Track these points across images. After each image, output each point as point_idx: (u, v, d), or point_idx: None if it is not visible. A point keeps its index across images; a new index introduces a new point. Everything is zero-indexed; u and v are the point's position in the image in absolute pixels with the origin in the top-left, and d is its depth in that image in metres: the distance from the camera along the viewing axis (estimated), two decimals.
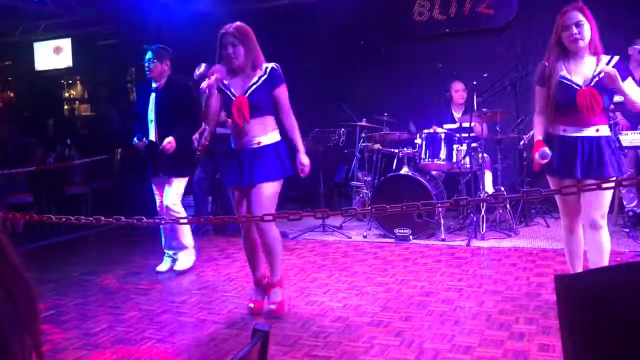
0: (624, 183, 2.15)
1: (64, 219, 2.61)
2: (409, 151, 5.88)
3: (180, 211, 4.58)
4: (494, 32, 6.93)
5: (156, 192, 4.72)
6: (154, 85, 4.63)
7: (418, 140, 5.82)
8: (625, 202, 5.65)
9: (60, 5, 7.38)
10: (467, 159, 5.67)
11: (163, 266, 4.79)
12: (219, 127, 5.71)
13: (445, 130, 5.84)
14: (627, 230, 5.32)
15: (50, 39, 9.47)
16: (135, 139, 4.63)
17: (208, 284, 4.39)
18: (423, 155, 5.72)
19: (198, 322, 3.58)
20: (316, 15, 7.44)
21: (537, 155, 3.22)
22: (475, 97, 5.90)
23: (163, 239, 4.81)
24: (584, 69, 3.19)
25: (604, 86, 3.12)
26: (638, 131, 5.05)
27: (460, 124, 6.01)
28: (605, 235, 3.22)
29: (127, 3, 6.90)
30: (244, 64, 3.45)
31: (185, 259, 4.73)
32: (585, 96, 3.11)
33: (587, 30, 3.13)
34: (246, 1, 7.58)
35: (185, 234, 4.73)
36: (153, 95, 4.61)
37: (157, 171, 4.62)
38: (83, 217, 2.65)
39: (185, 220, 4.26)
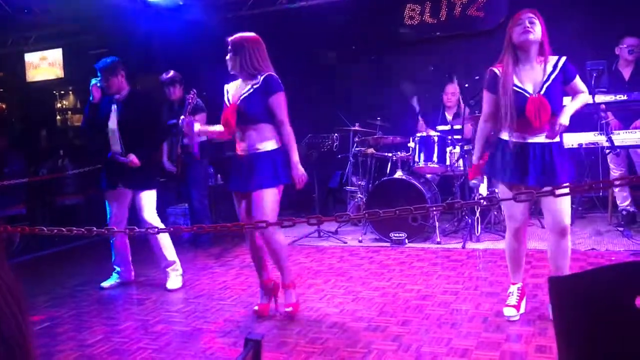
0: (616, 183, 2.15)
1: (55, 231, 2.59)
2: (402, 155, 5.88)
3: (158, 224, 4.44)
4: (484, 34, 6.96)
5: (111, 205, 4.55)
6: (115, 96, 4.49)
7: (411, 144, 5.83)
8: (618, 202, 5.67)
9: (50, 16, 7.36)
10: (461, 162, 5.68)
11: (108, 282, 4.66)
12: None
13: (438, 134, 5.85)
14: (621, 229, 5.33)
15: (41, 50, 9.46)
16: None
17: (203, 293, 4.37)
18: (417, 159, 5.72)
19: (194, 331, 3.56)
20: (308, 21, 7.45)
21: (471, 183, 3.55)
22: (462, 99, 5.92)
23: (113, 255, 4.68)
24: (534, 76, 3.20)
25: (554, 91, 3.16)
26: (630, 130, 5.07)
27: (452, 126, 6.03)
28: (569, 240, 3.27)
29: (117, 12, 6.89)
30: (238, 71, 3.56)
31: (176, 277, 4.55)
32: (535, 104, 3.12)
33: (538, 29, 3.15)
34: (237, 8, 7.59)
35: (167, 247, 4.55)
36: (114, 106, 4.47)
37: (116, 183, 4.48)
38: (75, 228, 2.64)
39: (164, 233, 4.24)
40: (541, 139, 3.18)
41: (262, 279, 3.77)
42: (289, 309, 3.65)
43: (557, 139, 3.21)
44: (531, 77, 3.19)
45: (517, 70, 3.22)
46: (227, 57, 3.57)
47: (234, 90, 3.63)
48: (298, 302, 3.74)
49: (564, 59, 3.20)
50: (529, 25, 3.14)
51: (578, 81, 3.25)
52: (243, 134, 3.54)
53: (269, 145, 3.52)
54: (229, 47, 3.57)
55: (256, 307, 3.75)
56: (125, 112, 4.44)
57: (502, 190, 3.36)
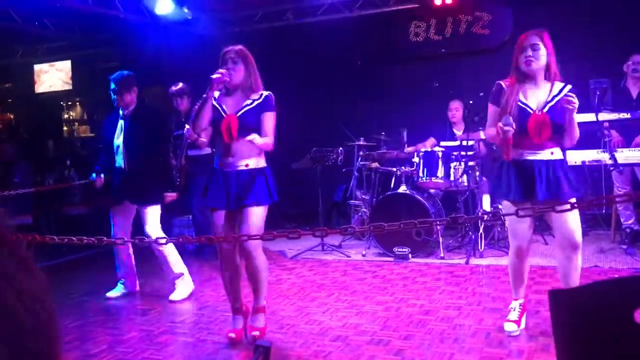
0: (617, 199, 2.18)
1: (66, 240, 2.63)
2: (406, 169, 5.91)
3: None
4: (489, 51, 7.02)
5: (115, 218, 4.60)
6: (121, 112, 4.55)
7: (416, 159, 5.86)
8: (622, 219, 5.67)
9: (60, 28, 7.46)
10: (465, 177, 5.70)
11: (113, 292, 4.69)
12: (192, 148, 5.77)
13: (443, 149, 5.88)
14: (624, 247, 5.34)
15: (50, 61, 9.56)
16: (93, 174, 4.66)
17: (207, 304, 4.39)
18: (421, 174, 5.75)
19: (198, 342, 3.58)
20: (314, 36, 7.52)
21: (500, 124, 3.15)
22: (467, 114, 5.96)
23: (117, 266, 4.71)
24: (539, 94, 3.26)
25: (557, 111, 3.19)
26: (633, 148, 5.10)
27: (461, 142, 6.04)
28: (579, 257, 3.26)
29: (126, 25, 6.98)
30: (241, 83, 3.47)
31: (182, 289, 4.56)
32: (537, 121, 3.17)
33: (542, 55, 3.21)
34: (245, 23, 7.68)
35: (174, 260, 4.56)
36: (121, 122, 4.54)
37: (122, 199, 4.54)
38: (85, 238, 2.67)
39: (167, 243, 4.24)
40: (545, 155, 3.21)
41: (238, 303, 3.61)
42: (256, 333, 3.49)
43: (561, 156, 3.25)
44: (536, 95, 3.25)
45: (523, 87, 3.28)
46: (230, 67, 3.44)
47: (227, 100, 3.51)
48: (266, 327, 3.58)
49: (569, 86, 3.26)
50: (531, 53, 3.20)
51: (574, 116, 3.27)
52: (233, 148, 3.42)
53: (261, 162, 3.49)
54: (234, 57, 3.45)
55: (232, 335, 3.51)
56: (130, 129, 4.51)
57: (506, 208, 3.36)
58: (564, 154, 3.31)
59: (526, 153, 3.24)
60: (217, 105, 3.48)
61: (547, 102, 3.21)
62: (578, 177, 3.27)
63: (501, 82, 3.37)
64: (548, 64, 3.24)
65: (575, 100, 3.13)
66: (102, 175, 4.67)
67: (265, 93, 3.50)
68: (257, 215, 3.40)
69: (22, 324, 0.71)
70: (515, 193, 3.26)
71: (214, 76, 3.35)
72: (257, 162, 3.46)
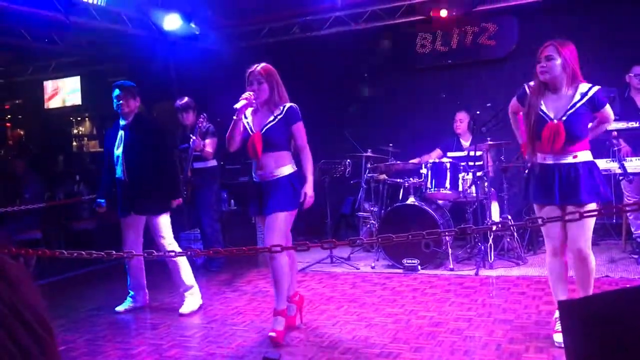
0: (627, 209, 2.17)
1: (75, 254, 2.64)
2: (414, 181, 5.90)
3: (175, 249, 4.47)
4: (495, 62, 7.03)
5: (125, 231, 4.62)
6: (122, 122, 4.56)
7: (424, 170, 5.85)
8: (633, 229, 5.63)
9: (69, 45, 7.54)
10: (473, 188, 5.69)
11: (122, 306, 4.69)
12: (197, 161, 5.80)
13: (450, 160, 5.87)
14: (635, 256, 5.30)
15: (60, 78, 9.67)
16: (95, 206, 4.81)
17: (216, 318, 4.38)
18: (429, 185, 5.74)
19: (207, 356, 3.57)
20: (320, 50, 7.56)
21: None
22: (473, 125, 5.97)
23: (129, 280, 4.73)
24: (560, 102, 3.27)
25: (576, 120, 3.20)
26: None
27: (468, 153, 6.03)
28: (591, 261, 3.28)
29: (134, 40, 7.05)
30: (267, 101, 3.71)
31: (191, 301, 4.56)
32: (551, 130, 3.21)
33: (556, 65, 3.22)
34: (252, 38, 7.73)
35: (186, 272, 4.57)
36: (121, 132, 4.54)
37: (127, 210, 4.55)
38: (94, 252, 2.69)
39: (183, 258, 4.27)
40: (568, 159, 3.23)
41: (289, 292, 3.87)
42: (273, 334, 3.62)
43: (588, 158, 3.25)
44: (556, 103, 3.28)
45: (545, 94, 3.32)
46: (255, 88, 3.67)
47: (255, 117, 3.77)
48: (284, 332, 3.70)
49: (595, 89, 3.25)
50: (545, 64, 3.24)
51: (605, 111, 3.31)
52: (262, 161, 3.70)
53: (287, 169, 3.71)
54: (258, 77, 3.68)
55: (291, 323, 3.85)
56: (130, 138, 4.52)
57: (536, 212, 3.41)
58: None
59: (548, 157, 3.29)
60: (246, 123, 3.76)
61: (567, 110, 3.23)
62: (603, 181, 3.26)
63: (527, 85, 3.43)
64: (568, 70, 3.23)
65: None
66: (103, 203, 4.77)
67: (287, 105, 3.73)
68: (278, 220, 3.64)
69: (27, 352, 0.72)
70: (536, 196, 3.34)
71: (241, 104, 3.60)
72: (284, 170, 3.71)
